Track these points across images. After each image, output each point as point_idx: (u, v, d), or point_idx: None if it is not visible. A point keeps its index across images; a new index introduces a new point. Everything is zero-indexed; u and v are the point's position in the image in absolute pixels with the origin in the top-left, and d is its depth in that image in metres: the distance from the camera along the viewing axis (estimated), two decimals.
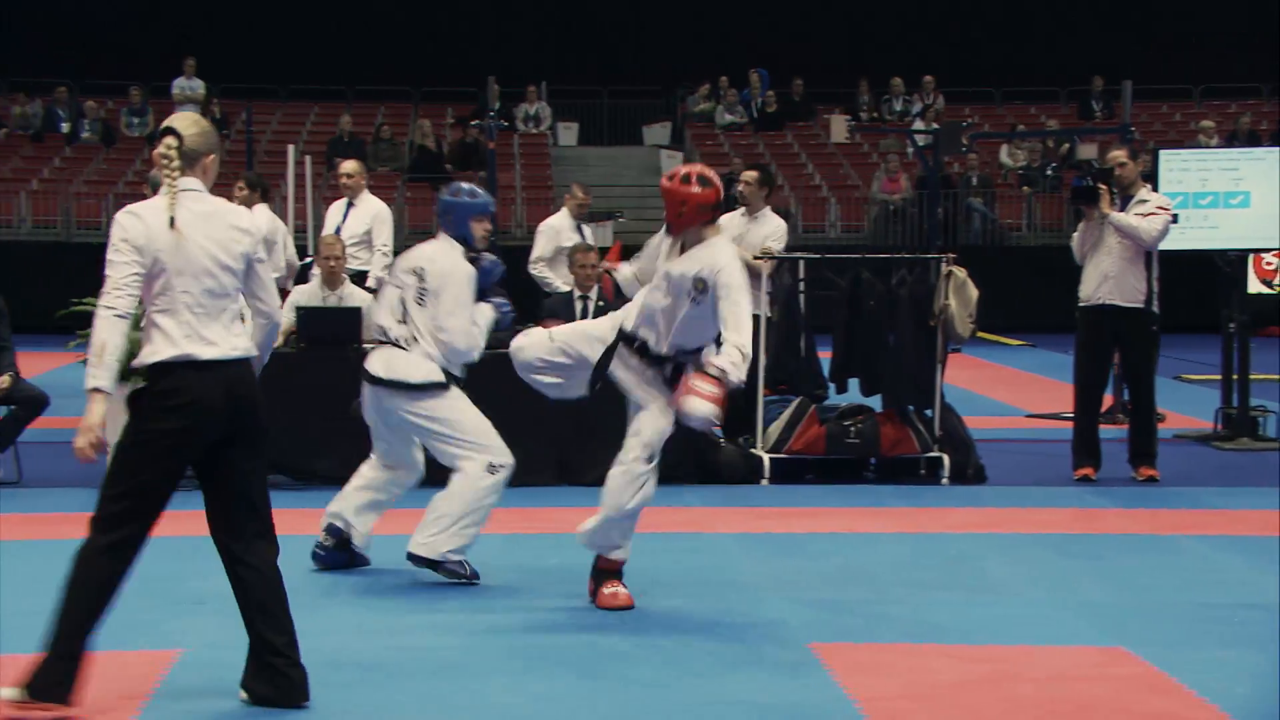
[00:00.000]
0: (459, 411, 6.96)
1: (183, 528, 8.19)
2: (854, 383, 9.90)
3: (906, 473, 9.61)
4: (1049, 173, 23.67)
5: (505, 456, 6.90)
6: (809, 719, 5.01)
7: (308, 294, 10.13)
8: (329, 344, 9.48)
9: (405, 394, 6.93)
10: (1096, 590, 6.86)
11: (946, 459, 9.52)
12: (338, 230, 11.49)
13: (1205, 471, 10.04)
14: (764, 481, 9.39)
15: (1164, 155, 11.26)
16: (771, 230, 10.36)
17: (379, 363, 7.03)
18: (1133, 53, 24.92)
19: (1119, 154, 10.10)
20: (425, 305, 6.93)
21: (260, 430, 5.02)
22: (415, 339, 6.95)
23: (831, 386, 9.93)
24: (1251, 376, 11.20)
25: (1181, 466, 10.02)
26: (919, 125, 23.95)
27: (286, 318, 9.94)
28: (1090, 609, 6.47)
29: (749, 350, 6.10)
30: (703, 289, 6.17)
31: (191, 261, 4.83)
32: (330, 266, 10.08)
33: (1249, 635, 6.05)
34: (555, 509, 8.72)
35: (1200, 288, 12.62)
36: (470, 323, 7.00)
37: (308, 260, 11.99)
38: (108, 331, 4.77)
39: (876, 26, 27.48)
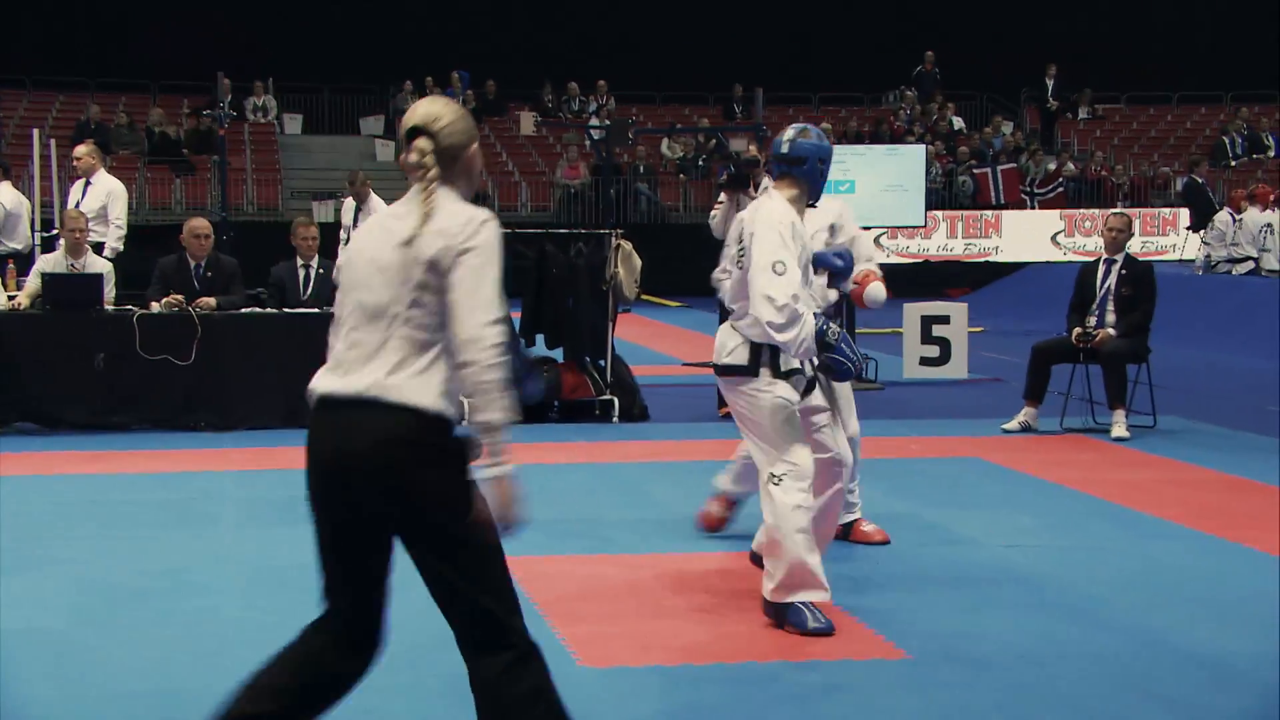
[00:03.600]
0: (761, 411, 4.95)
1: None
2: (541, 338, 9.94)
3: (584, 413, 9.70)
4: (700, 163, 24.19)
5: (793, 461, 4.90)
6: None
7: (53, 262, 9.57)
8: (72, 306, 9.03)
9: (721, 378, 5.13)
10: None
11: (617, 401, 9.65)
12: (76, 206, 10.89)
13: None
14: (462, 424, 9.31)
15: None
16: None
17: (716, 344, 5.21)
18: (766, 65, 25.66)
19: (752, 148, 10.42)
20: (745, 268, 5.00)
21: (409, 514, 3.08)
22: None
23: (522, 341, 9.94)
24: (857, 330, 11.61)
25: None
26: (594, 121, 24.13)
27: (33, 283, 9.38)
28: (730, 521, 6.66)
29: None
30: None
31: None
32: (74, 238, 9.55)
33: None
34: (284, 448, 8.50)
35: None
36: (773, 284, 4.81)
37: (53, 232, 11.32)
38: None
39: (558, 37, 27.49)
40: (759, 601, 5.20)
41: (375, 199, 12.57)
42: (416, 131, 3.17)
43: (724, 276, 5.44)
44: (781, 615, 4.91)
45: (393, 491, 3.03)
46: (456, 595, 3.12)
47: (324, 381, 3.13)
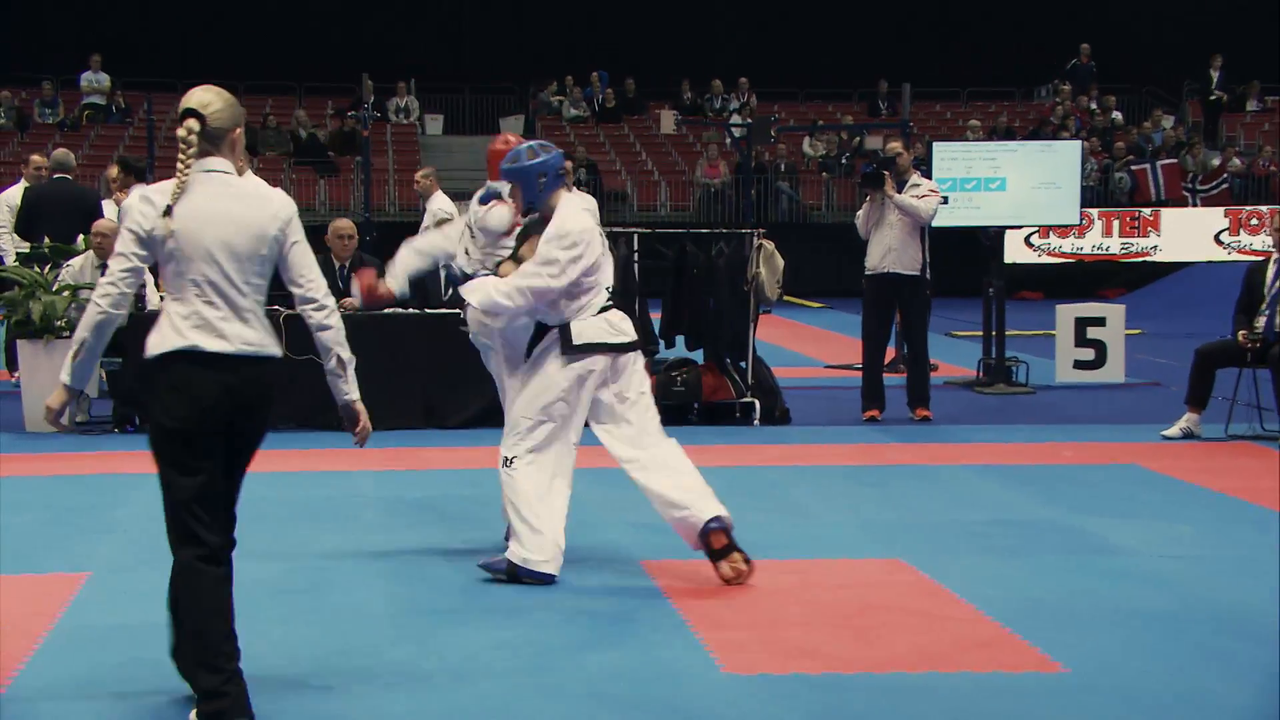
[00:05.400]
0: None
1: (94, 466, 8.00)
2: (680, 339, 9.96)
3: (724, 415, 9.70)
4: (843, 161, 24.01)
5: None
6: (637, 623, 5.05)
7: None
8: None
9: (635, 353, 5.66)
10: (880, 511, 7.00)
11: (758, 403, 9.62)
12: None
13: (969, 412, 10.26)
14: None
15: (937, 147, 11.48)
16: (585, 205, 10.41)
17: (625, 326, 5.65)
18: (913, 60, 25.36)
19: (896, 145, 10.30)
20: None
21: (259, 430, 4.04)
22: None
23: (661, 342, 9.98)
24: (1007, 332, 11.47)
25: (950, 408, 10.25)
26: (735, 119, 24.09)
27: None
28: (875, 527, 6.61)
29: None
30: None
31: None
32: None
33: (1000, 546, 6.24)
34: (423, 449, 8.66)
35: (966, 258, 12.91)
36: None
37: None
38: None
39: (698, 33, 27.55)
40: (905, 610, 5.15)
41: (439, 197, 12.03)
42: (188, 113, 3.98)
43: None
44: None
45: (259, 416, 4.00)
46: (237, 488, 4.06)
47: (205, 340, 3.89)
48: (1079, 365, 11.62)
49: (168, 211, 3.89)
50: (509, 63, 26.56)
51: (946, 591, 5.44)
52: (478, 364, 6.46)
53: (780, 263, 9.56)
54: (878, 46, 27.08)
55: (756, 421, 9.59)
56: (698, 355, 9.89)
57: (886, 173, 9.65)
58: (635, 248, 9.88)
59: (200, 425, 3.87)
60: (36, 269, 9.49)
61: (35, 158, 11.75)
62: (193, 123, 3.95)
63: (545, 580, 5.46)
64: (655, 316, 9.96)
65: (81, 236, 9.89)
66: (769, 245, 9.55)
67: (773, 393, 9.74)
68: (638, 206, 22.74)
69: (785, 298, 11.48)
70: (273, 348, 4.01)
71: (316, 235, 10.80)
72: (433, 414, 9.31)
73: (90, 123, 23.72)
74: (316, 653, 4.70)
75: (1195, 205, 22.30)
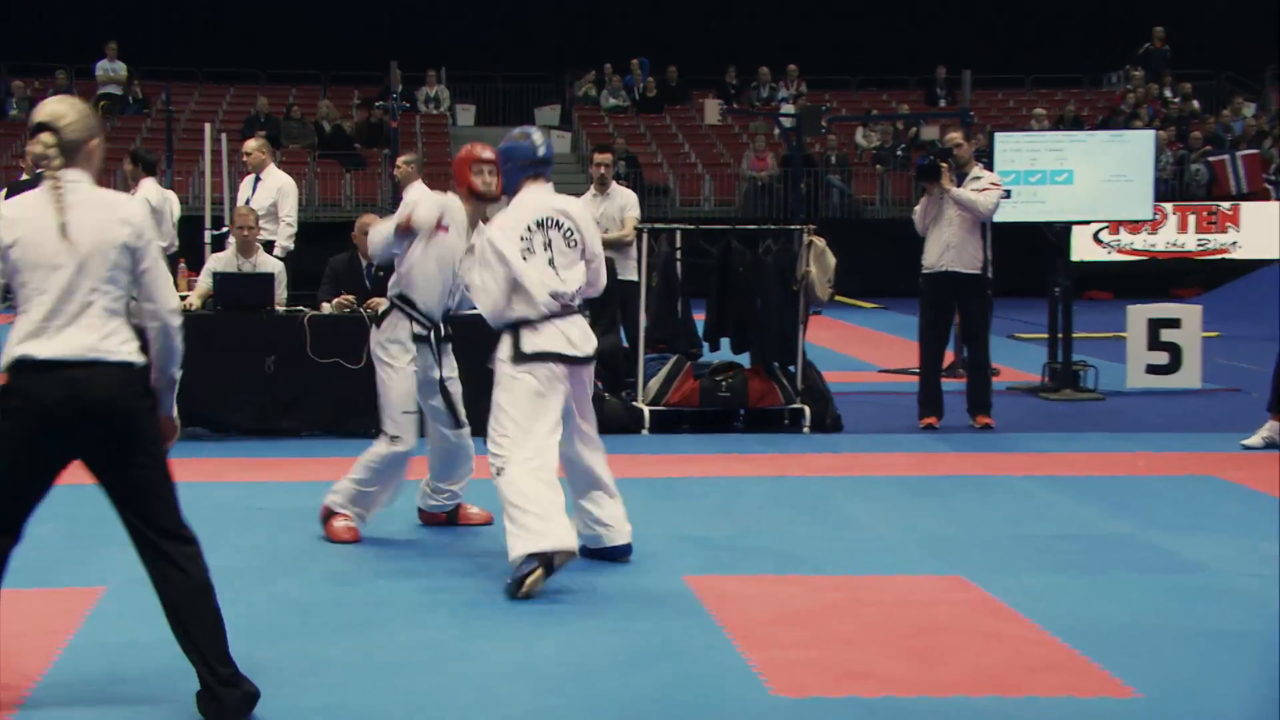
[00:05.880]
0: None
1: None
2: (725, 341, 9.96)
3: (772, 422, 9.70)
4: (899, 153, 23.94)
5: None
6: (681, 643, 5.05)
7: (224, 261, 9.97)
8: (243, 307, 9.37)
9: (589, 367, 5.94)
10: (938, 525, 6.97)
11: (808, 410, 9.62)
12: (247, 203, 11.32)
13: (1034, 419, 10.22)
14: (644, 431, 9.43)
15: (999, 137, 11.42)
16: (626, 202, 10.42)
17: (576, 336, 5.84)
18: (973, 45, 25.26)
19: (955, 135, 10.27)
20: (576, 248, 5.88)
21: (129, 440, 4.12)
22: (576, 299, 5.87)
23: (705, 345, 9.99)
24: (1074, 335, 11.42)
25: (1013, 415, 10.20)
26: (784, 109, 24.08)
27: (204, 283, 9.79)
28: (932, 541, 6.58)
29: None
30: None
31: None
32: (244, 236, 9.93)
33: (1067, 562, 6.21)
34: None
35: (1030, 255, 12.84)
36: None
37: (224, 230, 11.80)
38: None
39: (745, 18, 27.55)
40: (966, 630, 5.14)
41: (417, 187, 11.94)
42: (41, 127, 4.08)
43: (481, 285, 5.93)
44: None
45: (119, 425, 4.07)
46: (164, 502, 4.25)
47: (35, 348, 4.00)
48: (1152, 370, 11.55)
49: (64, 230, 4.01)
50: (544, 49, 26.65)
51: (1010, 610, 5.41)
52: None
53: (831, 261, 9.55)
54: (936, 31, 26.98)
55: (806, 429, 9.58)
56: (744, 358, 9.89)
57: (944, 165, 9.63)
58: (678, 244, 9.89)
59: (37, 432, 4.04)
60: None
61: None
62: (47, 136, 4.08)
63: (574, 556, 5.64)
64: (699, 317, 9.97)
65: None
66: (819, 242, 9.53)
67: (823, 398, 9.73)
68: (680, 201, 22.76)
69: (837, 298, 11.47)
70: (122, 354, 4.06)
71: (342, 231, 10.95)
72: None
73: (106, 114, 23.98)
74: (337, 667, 4.73)
75: (1278, 199, 22.08)
